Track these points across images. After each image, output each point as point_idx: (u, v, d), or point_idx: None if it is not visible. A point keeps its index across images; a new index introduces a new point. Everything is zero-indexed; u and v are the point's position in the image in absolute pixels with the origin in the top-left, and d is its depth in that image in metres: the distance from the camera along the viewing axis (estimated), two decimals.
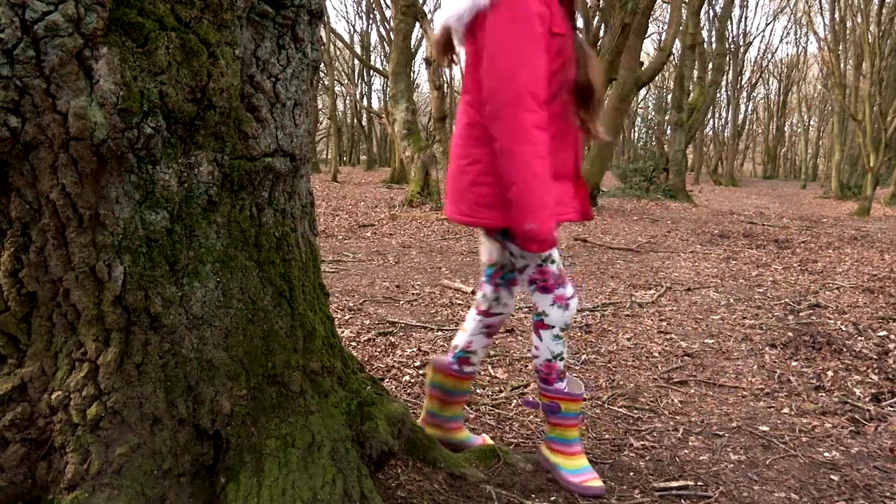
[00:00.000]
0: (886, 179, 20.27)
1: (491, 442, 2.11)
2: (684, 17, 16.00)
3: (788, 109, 43.62)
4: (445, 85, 13.14)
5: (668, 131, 18.67)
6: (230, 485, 1.31)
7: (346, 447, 1.48)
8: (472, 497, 1.76)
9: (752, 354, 3.28)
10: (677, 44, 16.04)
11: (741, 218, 11.28)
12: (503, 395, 2.63)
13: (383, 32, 30.29)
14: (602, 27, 14.17)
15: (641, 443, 2.23)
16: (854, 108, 18.68)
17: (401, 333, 3.45)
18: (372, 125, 37.60)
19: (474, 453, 1.97)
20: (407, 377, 2.79)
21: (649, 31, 16.14)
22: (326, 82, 23.99)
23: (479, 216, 1.76)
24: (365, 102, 36.55)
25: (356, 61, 32.32)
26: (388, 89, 12.22)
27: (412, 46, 14.00)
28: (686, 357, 3.22)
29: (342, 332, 3.37)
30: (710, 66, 19.29)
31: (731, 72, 32.16)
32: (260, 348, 1.38)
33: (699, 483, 1.95)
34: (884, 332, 3.66)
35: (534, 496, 1.82)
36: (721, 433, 2.33)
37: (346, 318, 3.71)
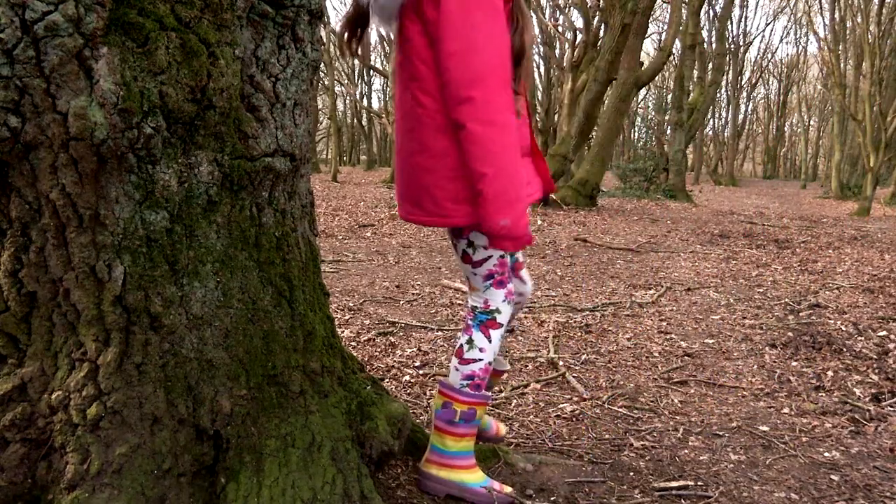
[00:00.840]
0: (886, 179, 20.28)
1: (505, 430, 2.09)
2: (684, 17, 16.00)
3: (788, 109, 43.63)
4: None
5: (668, 131, 18.67)
6: (230, 485, 1.31)
7: (346, 447, 1.48)
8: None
9: (752, 354, 3.28)
10: (677, 44, 16.04)
11: (741, 218, 11.28)
12: (503, 395, 2.63)
13: (383, 32, 30.25)
14: (602, 27, 14.18)
15: (641, 443, 2.23)
16: (854, 108, 18.68)
17: (401, 333, 3.45)
18: (372, 125, 37.61)
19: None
20: (407, 377, 2.79)
21: (649, 31, 16.14)
22: (326, 82, 23.99)
23: (455, 216, 1.59)
24: (365, 102, 36.57)
25: (356, 61, 32.31)
26: (389, 89, 12.20)
27: None
28: (686, 357, 3.22)
29: (342, 332, 3.37)
30: (710, 66, 19.29)
31: (731, 72, 32.16)
32: (260, 348, 1.38)
33: (699, 483, 1.95)
34: (884, 332, 3.66)
35: (534, 496, 1.82)
36: (721, 433, 2.33)
37: (346, 318, 3.71)
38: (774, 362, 3.15)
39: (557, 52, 22.33)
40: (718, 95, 30.18)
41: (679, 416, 2.49)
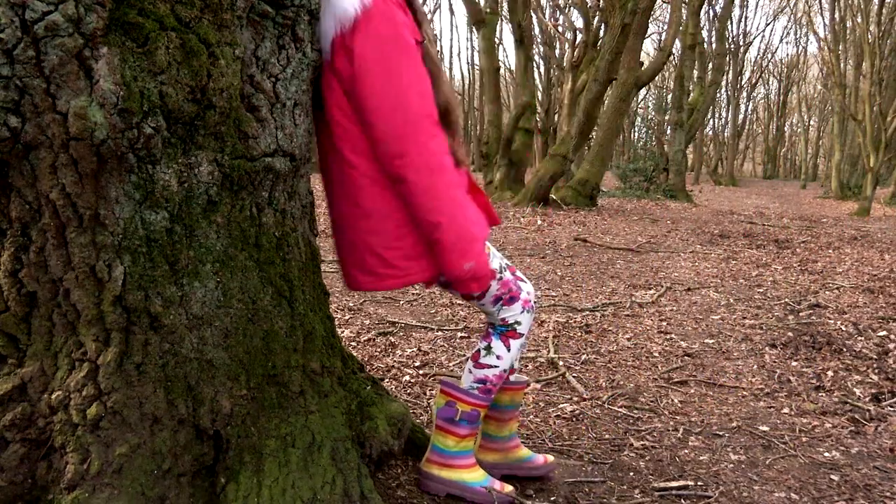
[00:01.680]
0: (886, 179, 20.28)
1: (552, 459, 1.90)
2: (684, 17, 16.00)
3: (788, 109, 43.64)
4: None
5: (668, 131, 18.67)
6: (230, 485, 1.31)
7: (346, 447, 1.48)
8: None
9: (752, 354, 3.28)
10: (677, 44, 16.05)
11: (741, 218, 11.28)
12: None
13: None
14: (602, 27, 14.18)
15: (641, 443, 2.23)
16: (854, 108, 18.69)
17: (401, 333, 3.45)
18: None
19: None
20: (407, 377, 2.79)
21: (649, 31, 16.16)
22: None
23: (413, 272, 1.51)
24: None
25: None
26: None
27: None
28: (686, 357, 3.21)
29: (342, 332, 3.37)
30: (710, 66, 19.29)
31: (731, 72, 32.16)
32: (260, 348, 1.38)
33: (699, 483, 1.95)
34: (884, 332, 3.66)
35: (534, 496, 1.82)
36: (721, 433, 2.33)
37: (346, 318, 3.71)
38: (774, 362, 3.15)
39: (557, 52, 22.34)
40: (718, 95, 30.19)
41: (679, 416, 2.49)
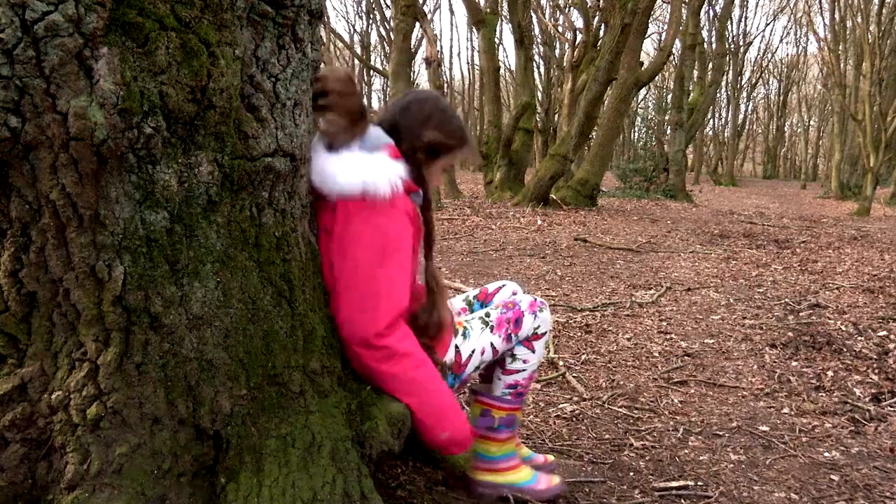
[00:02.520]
0: (886, 179, 20.27)
1: (552, 458, 2.00)
2: (684, 17, 16.00)
3: (788, 109, 43.64)
4: (445, 85, 13.14)
5: (668, 131, 18.66)
6: (230, 485, 1.31)
7: (346, 447, 1.48)
8: (472, 497, 1.76)
9: (752, 354, 3.28)
10: (677, 44, 16.05)
11: (741, 218, 11.28)
12: None
13: (383, 32, 30.29)
14: (602, 27, 14.18)
15: (641, 443, 2.23)
16: (854, 108, 18.69)
17: None
18: None
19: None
20: None
21: (649, 31, 16.12)
22: None
23: None
24: (365, 102, 36.50)
25: (356, 61, 32.32)
26: (388, 89, 12.22)
27: (412, 46, 14.00)
28: (686, 357, 3.21)
29: None
30: (710, 66, 19.29)
31: (731, 72, 32.15)
32: (260, 348, 1.38)
33: (699, 483, 1.95)
34: (884, 332, 3.66)
35: None
36: (721, 433, 2.33)
37: None
38: (774, 362, 3.15)
39: (557, 52, 22.33)
40: (718, 95, 30.16)
41: (679, 416, 2.49)
